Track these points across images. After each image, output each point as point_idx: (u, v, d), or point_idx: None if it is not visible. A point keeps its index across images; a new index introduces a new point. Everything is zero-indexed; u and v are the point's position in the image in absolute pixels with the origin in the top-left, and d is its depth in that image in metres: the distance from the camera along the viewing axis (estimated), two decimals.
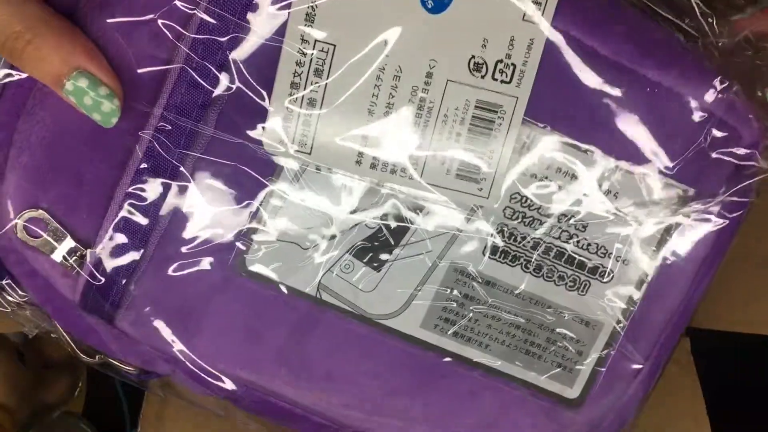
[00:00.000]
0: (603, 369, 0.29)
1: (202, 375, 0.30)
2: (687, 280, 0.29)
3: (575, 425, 0.30)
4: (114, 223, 0.27)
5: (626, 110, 0.27)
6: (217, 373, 0.30)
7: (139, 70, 0.26)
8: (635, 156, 0.27)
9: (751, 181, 0.27)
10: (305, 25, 0.25)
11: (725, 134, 0.27)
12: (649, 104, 0.27)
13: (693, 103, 0.27)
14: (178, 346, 0.29)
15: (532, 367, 0.29)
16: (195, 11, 0.25)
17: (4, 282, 0.30)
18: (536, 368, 0.29)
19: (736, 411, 0.43)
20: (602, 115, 0.27)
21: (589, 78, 0.27)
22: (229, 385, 0.30)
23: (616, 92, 0.27)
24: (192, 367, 0.30)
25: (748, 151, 0.27)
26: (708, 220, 0.28)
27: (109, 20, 0.26)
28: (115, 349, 0.30)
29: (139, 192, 0.27)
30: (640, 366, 0.29)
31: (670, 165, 0.28)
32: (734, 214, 0.28)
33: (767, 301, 0.41)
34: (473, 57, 0.26)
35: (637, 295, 0.29)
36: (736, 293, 0.40)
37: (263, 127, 0.26)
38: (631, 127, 0.27)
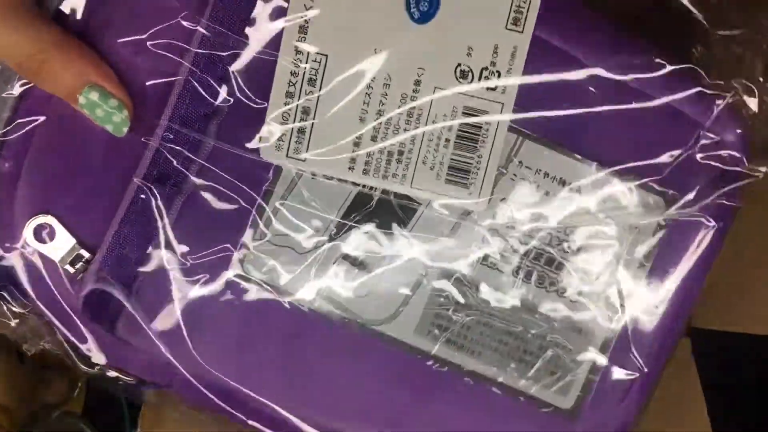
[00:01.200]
0: (596, 378, 0.29)
1: (198, 385, 0.31)
2: (678, 286, 0.29)
3: None
4: (116, 231, 0.29)
5: (611, 118, 0.28)
6: (212, 381, 0.31)
7: (147, 83, 0.28)
8: (620, 161, 0.28)
9: (736, 185, 0.28)
10: (299, 38, 0.27)
11: (710, 141, 0.28)
12: (632, 113, 0.28)
13: (677, 112, 0.28)
14: (174, 353, 0.30)
15: (526, 376, 0.29)
16: (197, 27, 0.27)
17: (5, 293, 0.31)
18: (530, 376, 0.29)
19: (736, 411, 0.43)
20: (587, 123, 0.28)
21: (574, 86, 0.28)
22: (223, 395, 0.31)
23: (599, 101, 0.28)
24: (187, 375, 0.30)
25: (734, 155, 0.28)
26: (695, 225, 0.28)
27: (116, 39, 0.28)
28: (114, 358, 0.31)
29: (143, 199, 0.29)
30: (636, 375, 0.29)
31: (656, 172, 0.28)
32: (721, 221, 0.28)
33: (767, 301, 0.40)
34: (459, 65, 0.27)
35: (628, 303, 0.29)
36: (736, 293, 0.40)
37: (260, 137, 0.28)
38: (617, 135, 0.28)
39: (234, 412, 0.31)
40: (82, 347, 0.31)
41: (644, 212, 0.28)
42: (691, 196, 0.28)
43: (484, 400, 0.30)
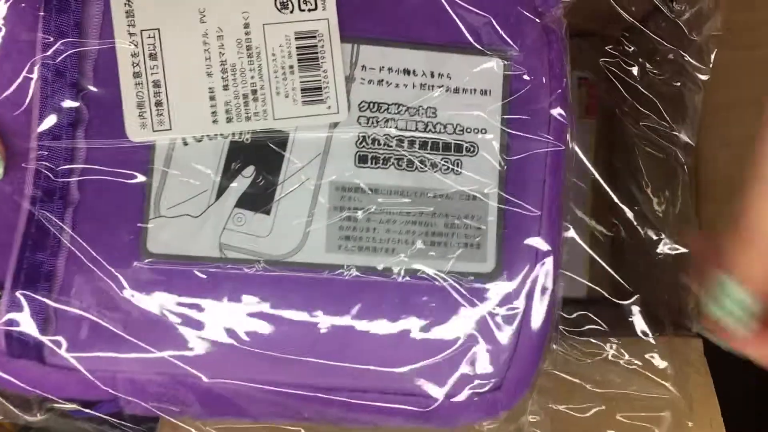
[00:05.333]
0: (505, 230, 0.31)
1: (144, 387, 0.31)
2: (544, 123, 0.31)
3: (503, 296, 0.31)
4: (18, 257, 0.30)
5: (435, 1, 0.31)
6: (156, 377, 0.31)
7: (4, 111, 0.30)
8: (453, 36, 0.31)
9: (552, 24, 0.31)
10: (128, 22, 0.30)
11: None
12: None
13: None
14: (110, 357, 0.31)
15: (444, 256, 0.31)
16: (35, 38, 0.30)
17: None
18: (448, 255, 0.31)
19: (751, 412, 0.44)
20: (413, 12, 0.31)
21: None
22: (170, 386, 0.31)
23: None
24: (131, 376, 0.31)
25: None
26: (538, 69, 0.31)
27: None
28: (51, 387, 0.31)
29: (37, 221, 0.30)
30: (538, 214, 0.31)
31: (487, 34, 0.31)
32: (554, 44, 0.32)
33: None
34: None
35: (504, 156, 0.31)
36: None
37: (124, 121, 0.30)
38: (446, 15, 0.31)
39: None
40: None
41: (487, 71, 0.31)
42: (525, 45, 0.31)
43: (415, 293, 0.31)
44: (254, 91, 0.31)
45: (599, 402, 0.37)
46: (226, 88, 0.31)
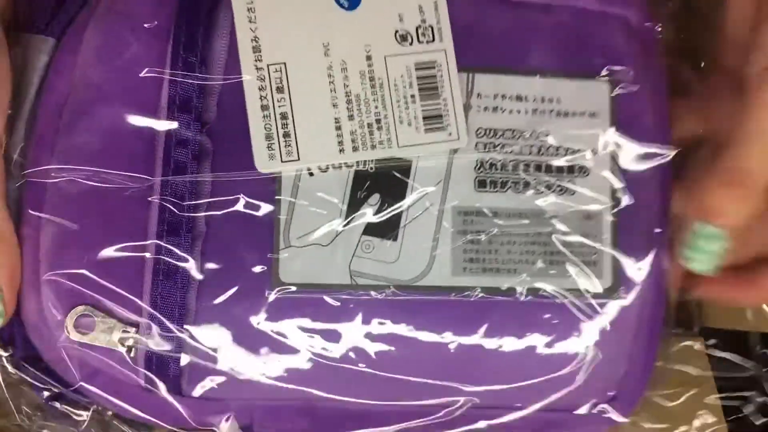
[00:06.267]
0: (619, 246, 0.32)
1: (279, 414, 0.32)
2: (650, 131, 0.33)
3: (620, 309, 0.32)
4: (150, 294, 0.30)
5: (543, 30, 0.33)
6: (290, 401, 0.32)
7: (131, 143, 0.30)
8: (562, 62, 0.33)
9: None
10: (255, 57, 0.31)
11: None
12: (558, 24, 0.33)
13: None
14: (246, 385, 0.31)
15: (563, 274, 0.32)
16: (163, 75, 0.30)
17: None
18: (567, 274, 0.32)
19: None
20: (524, 41, 0.32)
21: (502, 16, 0.32)
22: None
23: (531, 19, 0.33)
24: (267, 404, 0.31)
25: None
26: (641, 88, 0.33)
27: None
28: (194, 419, 0.32)
29: (164, 258, 0.30)
30: (658, 231, 0.32)
31: (593, 59, 0.33)
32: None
33: None
34: (397, 31, 0.31)
35: (615, 174, 0.33)
36: None
37: (252, 152, 0.30)
38: (554, 42, 0.33)
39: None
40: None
41: (593, 95, 0.33)
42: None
43: (539, 310, 0.32)
44: (378, 120, 0.32)
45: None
46: (351, 118, 0.32)
